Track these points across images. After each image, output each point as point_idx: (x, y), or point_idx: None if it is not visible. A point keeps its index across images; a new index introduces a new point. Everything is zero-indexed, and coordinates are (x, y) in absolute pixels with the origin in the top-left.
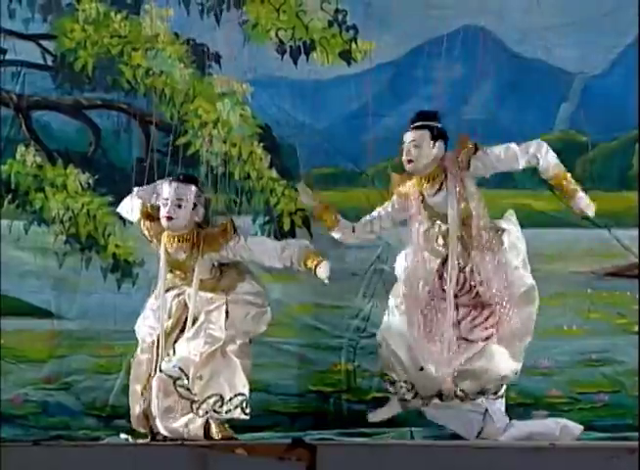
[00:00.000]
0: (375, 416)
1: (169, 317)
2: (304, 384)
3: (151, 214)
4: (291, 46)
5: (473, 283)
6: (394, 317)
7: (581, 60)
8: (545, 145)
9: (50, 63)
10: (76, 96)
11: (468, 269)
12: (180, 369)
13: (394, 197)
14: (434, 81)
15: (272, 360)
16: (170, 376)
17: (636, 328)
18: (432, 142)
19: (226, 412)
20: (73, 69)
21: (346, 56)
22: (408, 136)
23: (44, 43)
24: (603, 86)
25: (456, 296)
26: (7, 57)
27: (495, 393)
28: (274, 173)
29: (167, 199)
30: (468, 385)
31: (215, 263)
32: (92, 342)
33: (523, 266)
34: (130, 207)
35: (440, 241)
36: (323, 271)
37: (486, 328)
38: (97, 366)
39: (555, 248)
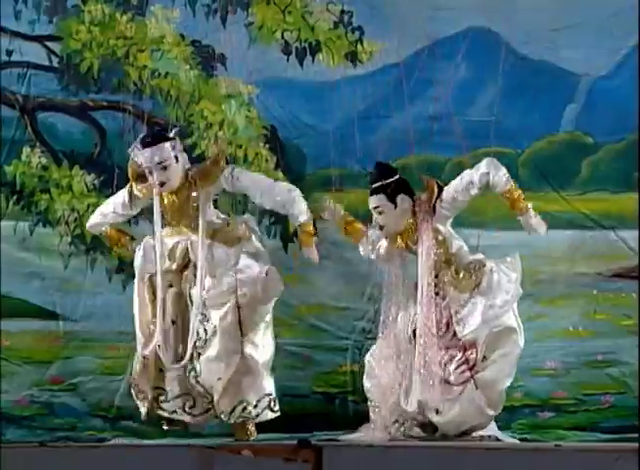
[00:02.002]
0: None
1: (171, 259)
2: (310, 385)
3: (141, 175)
4: (296, 47)
5: (451, 322)
6: (379, 349)
7: (587, 61)
8: (495, 161)
9: (56, 64)
10: (82, 97)
11: (447, 310)
12: (205, 389)
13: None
14: (439, 82)
15: (278, 361)
16: (200, 393)
17: None
18: (392, 203)
19: (256, 416)
20: (79, 70)
21: (352, 57)
22: (370, 201)
23: (50, 44)
24: (609, 88)
25: (440, 337)
26: (13, 58)
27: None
28: (280, 174)
29: (150, 167)
30: (445, 429)
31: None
32: (97, 343)
33: (501, 306)
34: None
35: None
36: (312, 255)
37: (464, 371)
38: (102, 367)
39: (561, 249)
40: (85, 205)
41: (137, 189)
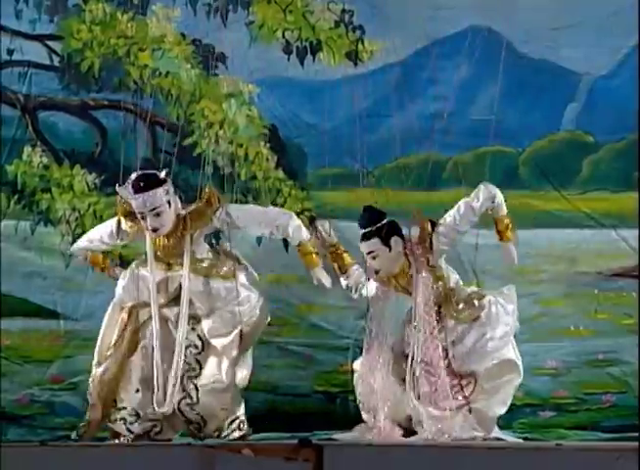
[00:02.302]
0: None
1: (159, 293)
2: (311, 384)
3: (131, 212)
4: (297, 46)
5: (445, 353)
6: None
7: (588, 60)
8: (491, 185)
9: (57, 63)
10: (83, 96)
11: (444, 340)
12: (201, 417)
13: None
14: (440, 82)
15: (279, 361)
16: (190, 420)
17: None
18: (386, 248)
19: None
20: (80, 69)
21: (353, 56)
22: (362, 247)
23: (51, 44)
24: (609, 87)
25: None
26: (14, 57)
27: None
28: (280, 174)
29: (143, 212)
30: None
31: (208, 249)
32: None
33: (500, 338)
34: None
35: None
36: (322, 278)
37: (459, 399)
38: None
39: (562, 248)
40: (86, 204)
41: (126, 225)
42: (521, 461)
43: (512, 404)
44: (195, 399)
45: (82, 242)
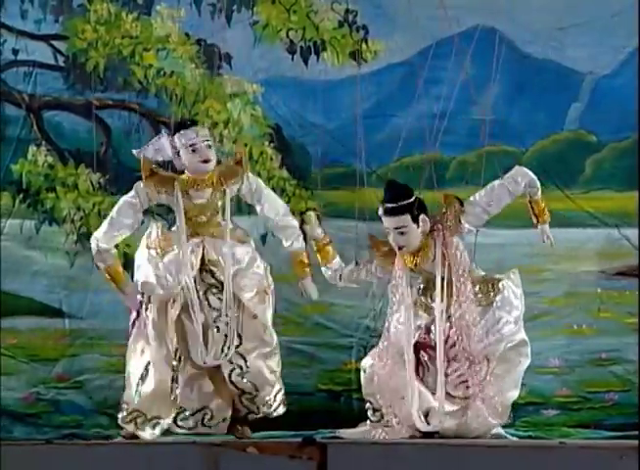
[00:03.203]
0: (344, 433)
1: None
2: (315, 383)
3: (155, 171)
4: (301, 46)
5: (461, 337)
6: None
7: (591, 60)
8: (526, 169)
9: (61, 63)
10: (88, 96)
11: (457, 323)
12: (253, 385)
13: (376, 263)
14: (444, 81)
15: (283, 359)
16: (243, 390)
17: None
18: (415, 224)
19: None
20: (85, 69)
21: (357, 56)
22: (390, 222)
23: (56, 44)
24: (613, 86)
25: (448, 349)
26: (19, 57)
27: None
28: (285, 173)
29: (195, 144)
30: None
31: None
32: (103, 340)
33: (514, 322)
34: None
35: (429, 297)
36: (310, 289)
37: (472, 386)
38: (108, 365)
39: (565, 247)
40: (91, 203)
41: (150, 185)
42: (524, 459)
43: (515, 403)
44: (245, 368)
45: (108, 234)
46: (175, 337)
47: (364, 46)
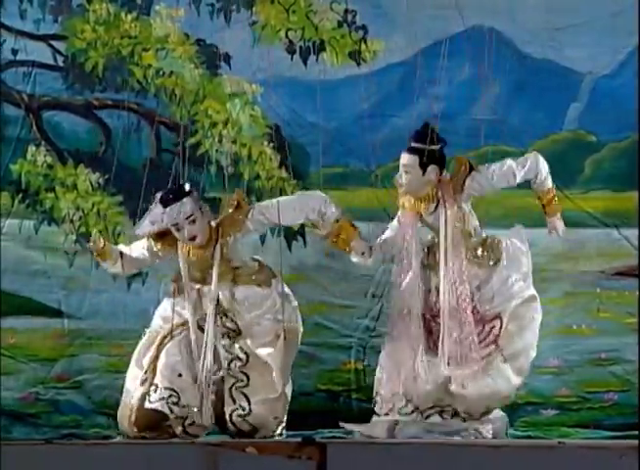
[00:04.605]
0: (350, 426)
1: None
2: (314, 382)
3: (158, 234)
4: (300, 46)
5: (471, 298)
6: (392, 336)
7: (590, 60)
8: (541, 158)
9: (61, 63)
10: (87, 96)
11: (466, 285)
12: (253, 427)
13: (399, 211)
14: (443, 81)
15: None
16: (240, 430)
17: None
18: (421, 169)
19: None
20: (84, 69)
21: (356, 56)
22: (402, 158)
23: (55, 44)
24: (612, 86)
25: (456, 312)
26: (18, 57)
27: (485, 414)
28: (284, 173)
29: (177, 223)
30: (472, 405)
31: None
32: (102, 341)
33: (523, 279)
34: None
35: (436, 256)
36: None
37: (487, 345)
38: (108, 365)
39: (564, 247)
40: (90, 203)
41: (157, 247)
42: (523, 459)
43: (514, 403)
44: (247, 410)
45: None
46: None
47: (363, 46)
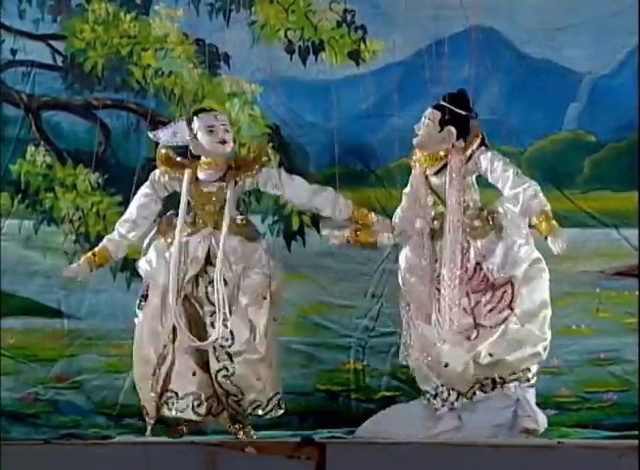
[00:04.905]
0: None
1: (193, 263)
2: (313, 383)
3: (170, 157)
4: (299, 46)
5: (479, 267)
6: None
7: (590, 60)
8: (534, 191)
9: (60, 63)
10: (86, 96)
11: (472, 253)
12: (238, 388)
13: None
14: (442, 81)
15: (281, 359)
16: (228, 391)
17: None
18: (439, 126)
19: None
20: (83, 69)
21: (355, 56)
22: (428, 110)
23: (54, 43)
24: (611, 86)
25: (463, 282)
26: (17, 57)
27: (528, 379)
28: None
29: (213, 126)
30: (501, 371)
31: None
32: (102, 341)
33: (526, 242)
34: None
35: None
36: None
37: (501, 310)
38: (107, 365)
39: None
40: (89, 203)
41: (163, 176)
42: (522, 459)
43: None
44: (230, 370)
45: (125, 222)
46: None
47: (362, 46)
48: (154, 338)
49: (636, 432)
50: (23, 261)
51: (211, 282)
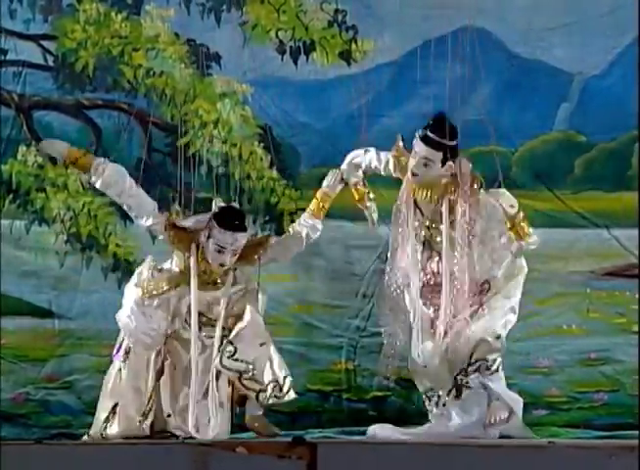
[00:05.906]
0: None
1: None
2: (304, 383)
3: (176, 225)
4: (291, 46)
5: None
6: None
7: (580, 60)
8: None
9: (51, 63)
10: (77, 96)
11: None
12: (247, 363)
13: (392, 163)
14: (433, 82)
15: None
16: (238, 370)
17: (635, 328)
18: (440, 163)
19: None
20: (74, 69)
21: (346, 56)
22: (422, 149)
23: (45, 43)
24: (602, 86)
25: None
26: (8, 57)
27: (487, 368)
28: (274, 173)
29: (225, 247)
30: (461, 364)
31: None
32: (93, 341)
33: (503, 242)
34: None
35: (425, 232)
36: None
37: (471, 305)
38: (98, 365)
39: (554, 248)
40: (80, 203)
41: (169, 234)
42: (513, 459)
43: None
44: (233, 350)
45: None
46: (152, 383)
47: (353, 46)
48: (137, 396)
49: (627, 432)
50: (15, 262)
51: (201, 328)
